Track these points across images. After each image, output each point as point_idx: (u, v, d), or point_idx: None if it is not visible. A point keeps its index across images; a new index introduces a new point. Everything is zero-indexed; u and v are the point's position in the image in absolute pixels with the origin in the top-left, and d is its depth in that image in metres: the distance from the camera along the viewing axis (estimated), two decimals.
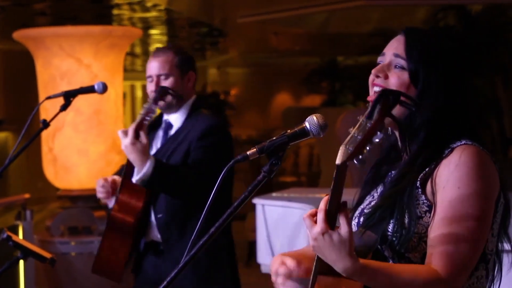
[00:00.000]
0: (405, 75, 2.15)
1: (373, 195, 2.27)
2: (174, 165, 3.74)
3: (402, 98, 1.93)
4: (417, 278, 1.97)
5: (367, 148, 1.77)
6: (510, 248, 2.20)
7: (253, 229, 6.59)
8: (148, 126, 3.91)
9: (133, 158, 3.61)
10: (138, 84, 23.01)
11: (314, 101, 17.57)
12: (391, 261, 2.10)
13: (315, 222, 1.92)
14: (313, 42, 14.76)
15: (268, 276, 5.69)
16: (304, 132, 2.14)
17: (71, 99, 3.73)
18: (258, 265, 6.22)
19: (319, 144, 12.05)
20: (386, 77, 2.17)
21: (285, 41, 14.53)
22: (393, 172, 2.25)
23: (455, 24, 9.93)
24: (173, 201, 3.79)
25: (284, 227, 5.87)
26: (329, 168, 10.61)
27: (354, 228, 2.22)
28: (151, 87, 3.87)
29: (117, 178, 3.92)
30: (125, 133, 3.63)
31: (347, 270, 1.92)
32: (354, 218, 2.26)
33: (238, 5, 11.15)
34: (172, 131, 3.94)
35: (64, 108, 3.72)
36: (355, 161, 1.76)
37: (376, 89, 2.18)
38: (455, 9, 10.08)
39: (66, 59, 6.80)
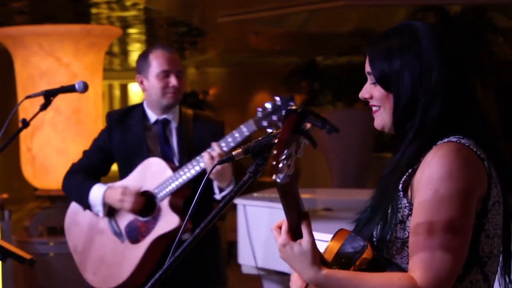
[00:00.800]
0: (379, 88, 2.11)
1: None
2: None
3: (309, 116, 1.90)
4: (390, 287, 1.94)
5: (281, 165, 1.78)
6: None
7: (233, 229, 6.57)
8: (114, 119, 4.03)
9: (224, 177, 3.75)
10: (116, 84, 22.93)
11: None
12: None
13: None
14: (293, 42, 14.76)
15: (249, 276, 5.66)
16: None
17: (51, 98, 3.72)
18: (239, 266, 6.20)
19: None
20: (371, 97, 2.15)
21: (265, 41, 14.53)
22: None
23: (435, 24, 9.97)
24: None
25: (265, 227, 5.85)
26: (307, 169, 10.63)
27: None
28: (173, 82, 3.90)
29: (133, 188, 3.90)
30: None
31: (311, 280, 1.95)
32: None
33: (218, 5, 11.13)
34: (172, 129, 3.98)
35: (44, 107, 3.71)
36: (277, 179, 1.78)
37: (375, 114, 2.16)
38: (435, 10, 10.12)
39: (45, 58, 6.75)
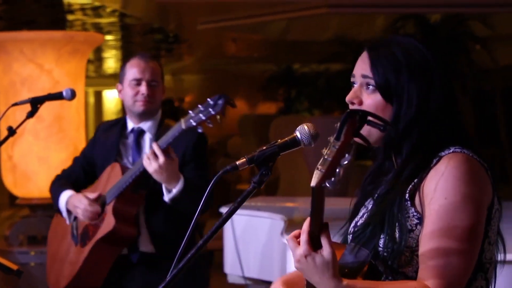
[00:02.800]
0: (378, 96, 2.09)
1: (367, 206, 2.22)
2: (195, 181, 3.74)
3: (370, 118, 1.88)
4: None
5: (337, 170, 1.74)
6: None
7: (214, 238, 6.52)
8: (102, 129, 4.05)
9: (166, 176, 3.60)
10: (90, 91, 22.80)
11: (270, 108, 17.59)
12: (384, 277, 2.05)
13: (299, 243, 1.91)
14: (271, 49, 14.79)
15: (235, 286, 5.59)
16: (295, 142, 2.10)
17: (38, 106, 3.70)
18: (221, 274, 6.17)
19: None
20: (360, 103, 2.11)
21: (243, 47, 14.54)
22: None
23: (415, 32, 10.03)
24: (171, 213, 3.79)
25: (252, 236, 5.82)
26: (287, 175, 10.60)
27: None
28: (142, 90, 3.87)
29: (90, 195, 3.90)
30: (154, 154, 3.58)
31: None
32: (349, 233, 2.22)
33: (195, 11, 11.10)
34: (146, 139, 3.93)
35: (31, 115, 3.70)
36: (327, 184, 1.74)
37: None
38: (414, 18, 10.18)
39: (26, 64, 6.66)
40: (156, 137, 3.85)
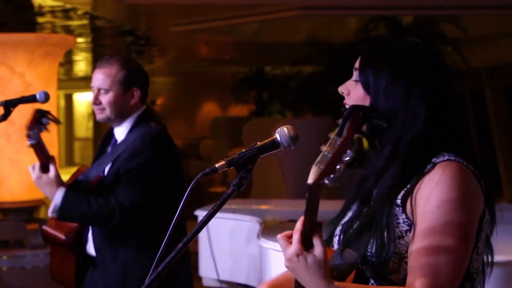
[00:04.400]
0: (359, 87, 2.10)
1: (353, 208, 2.19)
2: (87, 194, 3.58)
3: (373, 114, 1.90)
4: None
5: (338, 167, 1.71)
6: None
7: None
8: (103, 140, 3.87)
9: (44, 192, 3.56)
10: (61, 93, 22.66)
11: (242, 111, 17.59)
12: (372, 282, 2.03)
13: (290, 243, 1.88)
14: (243, 51, 14.77)
15: None
16: (275, 144, 2.08)
17: (11, 109, 3.66)
18: (196, 277, 6.14)
19: None
20: (348, 94, 2.14)
21: (215, 50, 14.51)
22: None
23: (386, 34, 10.06)
24: None
25: (227, 239, 5.80)
26: (260, 176, 10.58)
27: (336, 245, 2.16)
28: (91, 99, 3.74)
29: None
30: (33, 167, 3.55)
31: None
32: (335, 235, 2.19)
33: (166, 14, 11.05)
34: (112, 143, 3.80)
35: (3, 118, 3.68)
36: (326, 181, 1.71)
37: (346, 106, 2.12)
38: (386, 20, 10.21)
39: None
40: (120, 143, 3.71)
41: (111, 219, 3.51)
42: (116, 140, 3.78)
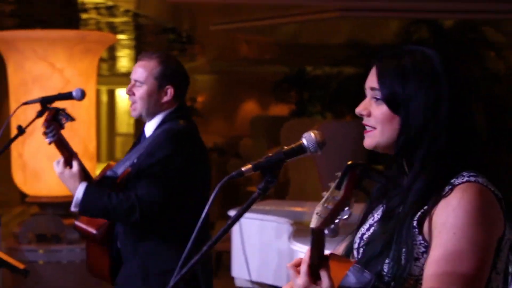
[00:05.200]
0: (384, 107, 2.06)
1: (374, 215, 2.18)
2: (108, 191, 3.60)
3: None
4: None
5: (337, 221, 1.77)
6: None
7: (222, 239, 6.51)
8: (137, 137, 3.88)
9: (67, 186, 3.60)
10: (103, 89, 22.87)
11: (282, 110, 17.55)
12: None
13: (299, 272, 1.89)
14: (283, 51, 14.76)
15: None
16: (302, 149, 2.08)
17: (48, 105, 3.69)
18: (229, 276, 6.16)
19: None
20: (369, 114, 2.09)
21: (256, 49, 14.52)
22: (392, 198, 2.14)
23: (428, 38, 9.98)
24: None
25: (259, 240, 5.81)
26: (297, 178, 10.57)
27: (355, 253, 2.17)
28: (126, 89, 3.80)
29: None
30: (58, 162, 3.59)
31: None
32: (355, 241, 2.20)
33: (208, 12, 11.09)
34: (143, 140, 3.82)
35: (41, 114, 3.69)
36: (326, 231, 1.77)
37: (366, 134, 2.11)
38: (427, 23, 10.13)
39: (38, 63, 6.68)
40: (147, 139, 3.73)
41: (131, 214, 3.54)
42: (145, 136, 3.81)
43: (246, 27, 10.87)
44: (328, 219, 1.76)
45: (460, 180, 1.97)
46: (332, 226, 1.75)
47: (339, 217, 1.76)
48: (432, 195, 1.99)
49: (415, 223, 1.99)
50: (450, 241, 1.92)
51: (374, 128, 2.08)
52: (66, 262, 6.83)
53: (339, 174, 1.84)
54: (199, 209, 3.69)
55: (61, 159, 3.60)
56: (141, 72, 3.72)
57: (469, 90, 2.08)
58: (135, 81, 3.73)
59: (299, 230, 5.20)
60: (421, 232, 1.98)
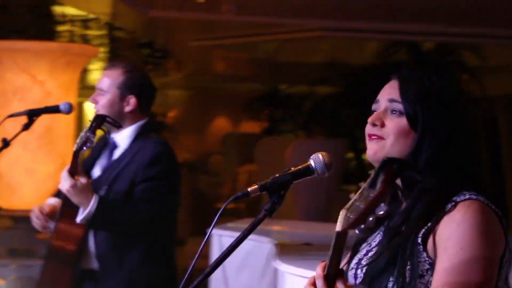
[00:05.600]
0: (403, 120, 2.07)
1: (370, 243, 2.16)
2: (119, 202, 3.61)
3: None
4: None
5: (371, 219, 1.72)
6: None
7: (192, 257, 6.41)
8: (96, 145, 3.82)
9: (77, 200, 3.50)
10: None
11: (254, 128, 17.55)
12: None
13: None
14: (259, 69, 14.76)
15: None
16: (309, 170, 2.10)
17: (35, 118, 3.67)
18: None
19: (259, 171, 11.99)
20: (383, 125, 2.10)
21: (232, 66, 14.51)
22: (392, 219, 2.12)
23: (406, 59, 10.06)
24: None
25: (240, 259, 5.74)
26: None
27: (351, 279, 2.13)
28: (90, 98, 3.83)
29: (55, 202, 3.80)
30: (66, 176, 3.52)
31: None
32: (351, 268, 2.16)
33: (185, 28, 11.06)
34: (118, 152, 3.79)
35: (27, 127, 3.68)
36: (356, 231, 1.73)
37: (373, 141, 2.11)
38: (407, 45, 10.20)
39: (19, 74, 6.61)
40: (127, 151, 3.73)
41: (142, 226, 3.58)
42: (116, 146, 3.78)
43: (225, 43, 10.86)
44: (360, 218, 1.71)
45: (462, 197, 2.00)
46: (363, 226, 1.72)
47: (374, 213, 1.71)
48: (435, 212, 2.00)
49: (419, 240, 1.99)
50: (457, 255, 1.93)
51: (383, 138, 2.09)
52: (38, 277, 6.72)
53: (372, 172, 1.78)
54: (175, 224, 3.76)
55: (66, 172, 3.51)
56: (105, 81, 3.76)
57: (471, 116, 2.13)
58: (99, 89, 3.76)
59: (283, 250, 5.13)
60: (425, 249, 1.99)
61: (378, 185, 1.74)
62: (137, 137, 3.76)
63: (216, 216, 2.14)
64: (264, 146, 11.70)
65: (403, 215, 2.06)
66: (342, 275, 1.83)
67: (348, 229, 1.72)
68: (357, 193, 1.76)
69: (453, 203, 1.99)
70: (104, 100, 3.73)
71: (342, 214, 1.75)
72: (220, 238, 5.83)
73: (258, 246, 5.54)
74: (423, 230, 1.99)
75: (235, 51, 12.20)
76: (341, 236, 1.75)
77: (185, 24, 10.46)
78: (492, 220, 1.99)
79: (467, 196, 1.99)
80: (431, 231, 1.98)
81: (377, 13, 8.76)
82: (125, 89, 3.74)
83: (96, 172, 3.81)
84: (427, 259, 1.98)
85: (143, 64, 14.44)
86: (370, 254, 2.11)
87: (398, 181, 2.09)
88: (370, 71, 9.72)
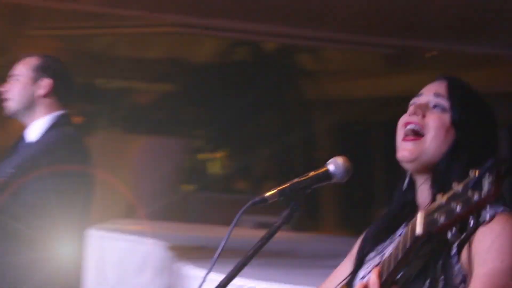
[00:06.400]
0: (446, 117, 2.05)
1: (383, 252, 2.11)
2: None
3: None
4: None
5: (472, 221, 1.65)
6: None
7: None
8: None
9: None
10: None
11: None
12: None
13: None
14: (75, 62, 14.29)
15: None
16: (328, 176, 2.05)
17: None
18: None
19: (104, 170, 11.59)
20: (424, 116, 2.06)
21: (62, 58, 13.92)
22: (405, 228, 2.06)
23: (247, 59, 10.09)
24: None
25: (119, 262, 5.48)
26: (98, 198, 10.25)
27: None
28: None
29: None
30: None
31: None
32: (361, 277, 2.10)
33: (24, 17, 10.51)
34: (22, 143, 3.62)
35: None
36: (448, 235, 1.68)
37: (411, 127, 2.06)
38: (249, 45, 10.21)
39: None
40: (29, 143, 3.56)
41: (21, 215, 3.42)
42: (24, 140, 3.60)
43: (62, 34, 10.39)
44: (454, 223, 1.65)
45: (497, 209, 1.96)
46: (454, 229, 1.65)
47: (479, 215, 1.68)
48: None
49: (454, 251, 1.95)
50: (496, 268, 1.89)
51: (421, 136, 2.04)
52: None
53: (476, 172, 1.66)
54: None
55: None
56: (19, 67, 3.62)
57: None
58: (12, 76, 3.60)
59: (181, 253, 4.96)
60: (459, 261, 1.94)
61: (487, 187, 1.62)
62: (50, 129, 3.58)
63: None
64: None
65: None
66: (397, 283, 1.80)
67: (437, 232, 1.65)
68: (447, 195, 1.65)
69: (489, 214, 1.95)
70: (17, 84, 3.57)
71: (424, 215, 1.67)
72: (102, 240, 5.55)
73: (153, 249, 5.33)
74: (458, 241, 1.92)
75: (70, 43, 11.73)
76: (420, 239, 1.69)
77: (22, 12, 9.92)
78: None
79: (501, 208, 1.97)
80: (466, 242, 1.94)
81: (216, 10, 8.64)
82: (39, 71, 3.62)
83: None
84: (461, 271, 1.94)
85: None
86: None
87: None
88: (209, 69, 9.66)
